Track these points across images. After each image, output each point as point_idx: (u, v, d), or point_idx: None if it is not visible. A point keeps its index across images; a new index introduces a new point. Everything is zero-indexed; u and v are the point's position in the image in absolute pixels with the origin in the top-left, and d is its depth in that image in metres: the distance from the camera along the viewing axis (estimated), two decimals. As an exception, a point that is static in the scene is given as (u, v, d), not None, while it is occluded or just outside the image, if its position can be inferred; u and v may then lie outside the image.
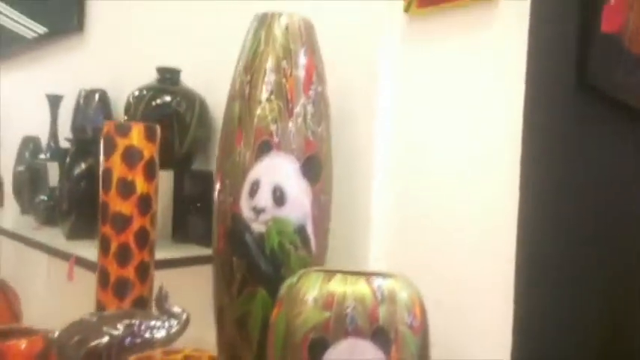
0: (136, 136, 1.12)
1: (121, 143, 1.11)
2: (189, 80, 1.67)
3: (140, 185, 1.12)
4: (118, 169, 1.11)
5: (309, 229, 1.08)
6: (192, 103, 1.59)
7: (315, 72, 1.12)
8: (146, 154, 1.13)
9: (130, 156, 1.11)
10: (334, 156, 1.18)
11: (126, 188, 1.11)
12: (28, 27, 2.81)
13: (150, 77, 1.65)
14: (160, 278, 1.25)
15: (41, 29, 2.71)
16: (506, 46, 1.12)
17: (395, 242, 1.25)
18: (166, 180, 1.59)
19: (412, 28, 1.27)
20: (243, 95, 1.09)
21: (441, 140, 1.20)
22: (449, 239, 1.17)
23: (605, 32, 1.29)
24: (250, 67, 1.10)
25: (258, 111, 1.07)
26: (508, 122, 1.09)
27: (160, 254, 1.32)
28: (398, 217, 1.25)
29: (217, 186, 1.12)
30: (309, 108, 1.09)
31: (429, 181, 1.21)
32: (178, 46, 1.83)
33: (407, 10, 1.27)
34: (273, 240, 1.05)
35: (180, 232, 1.58)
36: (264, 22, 1.11)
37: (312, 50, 1.13)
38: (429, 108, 1.22)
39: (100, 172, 1.13)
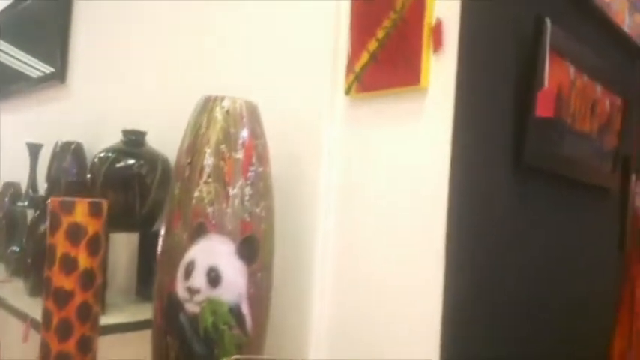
0: (81, 213, 1.15)
1: (66, 220, 1.14)
2: (157, 140, 1.71)
3: (83, 260, 1.15)
4: (62, 245, 1.14)
5: (245, 309, 1.11)
6: (155, 165, 1.63)
7: (256, 153, 1.16)
8: (90, 230, 1.16)
9: (74, 233, 1.15)
10: (278, 233, 1.21)
11: (69, 264, 1.14)
12: (14, 73, 2.88)
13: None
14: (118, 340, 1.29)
15: (26, 77, 2.78)
16: (435, 131, 1.16)
17: (334, 329, 1.28)
18: (131, 241, 1.63)
19: (353, 110, 1.31)
20: (183, 176, 1.13)
21: (380, 220, 1.23)
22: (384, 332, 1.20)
23: (541, 117, 1.32)
24: (192, 149, 1.14)
25: (196, 193, 1.10)
26: (436, 205, 1.12)
27: (120, 316, 1.38)
28: (337, 301, 1.28)
29: (158, 263, 1.15)
30: (248, 190, 1.13)
31: (370, 265, 1.24)
32: (149, 107, 1.88)
33: (347, 92, 1.31)
34: (207, 320, 1.08)
35: (144, 290, 1.61)
36: (207, 105, 1.16)
37: (254, 132, 1.17)
38: (369, 186, 1.26)
39: (46, 248, 1.17)
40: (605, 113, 1.75)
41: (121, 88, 2.11)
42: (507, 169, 1.33)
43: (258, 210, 1.14)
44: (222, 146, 1.12)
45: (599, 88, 1.69)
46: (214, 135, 1.13)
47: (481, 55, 1.23)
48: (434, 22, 1.19)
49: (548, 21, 1.36)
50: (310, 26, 1.40)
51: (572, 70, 1.54)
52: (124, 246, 1.62)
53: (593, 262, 1.82)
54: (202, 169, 1.11)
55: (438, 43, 1.19)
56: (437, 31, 1.19)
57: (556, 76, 1.47)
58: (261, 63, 1.48)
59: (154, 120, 1.74)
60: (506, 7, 1.33)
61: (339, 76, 1.33)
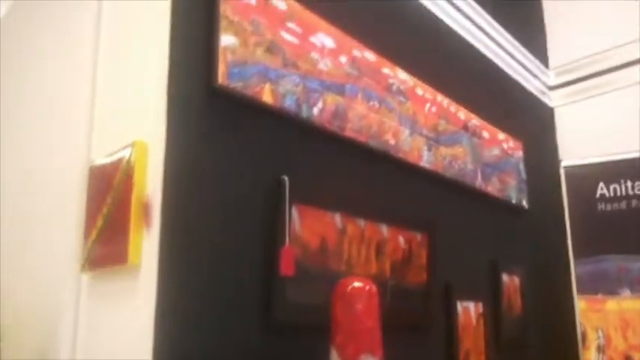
0: None
1: None
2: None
3: None
4: None
5: None
6: None
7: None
8: None
9: None
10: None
11: None
12: None
13: None
14: None
15: None
16: (143, 310, 1.14)
17: None
18: None
19: (90, 286, 1.30)
20: None
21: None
22: None
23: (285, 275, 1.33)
24: None
25: None
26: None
27: None
28: None
29: None
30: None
31: None
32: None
33: (82, 270, 1.31)
34: None
35: None
36: None
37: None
38: None
39: None
40: (400, 250, 1.77)
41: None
42: (256, 330, 1.30)
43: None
44: None
45: (385, 229, 1.72)
46: None
47: (201, 225, 1.25)
48: (145, 199, 1.22)
49: (286, 180, 1.40)
50: (58, 201, 1.41)
51: (338, 218, 1.56)
52: None
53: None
54: None
55: (148, 221, 1.20)
56: (146, 208, 1.21)
57: (317, 228, 1.50)
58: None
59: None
60: (246, 168, 1.37)
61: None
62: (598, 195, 2.54)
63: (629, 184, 2.50)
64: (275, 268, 1.34)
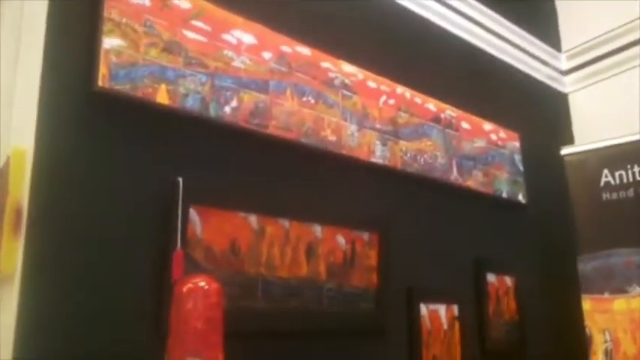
0: None
1: None
2: None
3: None
4: None
5: None
6: None
7: None
8: None
9: None
10: None
11: None
12: None
13: None
14: None
15: None
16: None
17: None
18: None
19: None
20: None
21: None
22: None
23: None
24: None
25: None
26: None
27: None
28: None
29: None
30: None
31: None
32: None
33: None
34: None
35: None
36: None
37: None
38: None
39: None
40: (339, 252, 1.67)
41: None
42: (144, 340, 1.25)
43: None
44: None
45: (318, 229, 1.63)
46: None
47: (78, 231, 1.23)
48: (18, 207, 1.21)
49: (180, 181, 1.36)
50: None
51: (253, 219, 1.50)
52: None
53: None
54: None
55: (18, 229, 1.20)
56: (18, 216, 1.21)
57: (226, 230, 1.44)
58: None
59: None
60: (137, 171, 1.34)
61: None
62: (602, 183, 2.29)
63: (636, 169, 2.24)
64: (168, 274, 1.29)
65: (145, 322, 1.27)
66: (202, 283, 1.04)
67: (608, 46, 2.83)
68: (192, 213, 1.39)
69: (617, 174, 2.28)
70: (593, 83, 2.88)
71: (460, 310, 1.98)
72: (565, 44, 3.02)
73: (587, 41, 2.90)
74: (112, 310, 1.24)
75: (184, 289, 1.03)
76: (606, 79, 2.82)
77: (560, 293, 2.39)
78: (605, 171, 2.31)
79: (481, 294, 2.10)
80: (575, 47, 2.95)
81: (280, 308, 1.51)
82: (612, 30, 2.80)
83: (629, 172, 2.26)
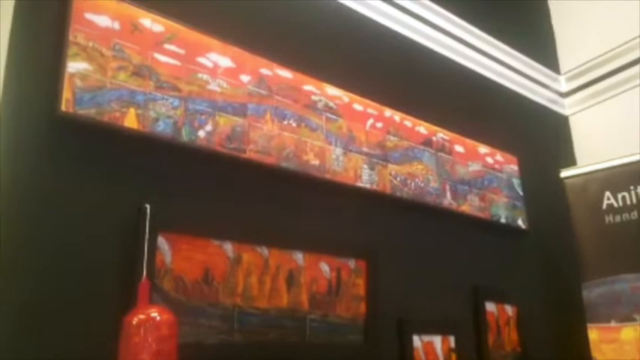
0: None
1: None
2: None
3: None
4: None
5: None
6: None
7: None
8: None
9: None
10: None
11: None
12: None
13: None
14: None
15: None
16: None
17: None
18: None
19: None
20: None
21: None
22: None
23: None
24: None
25: None
26: None
27: None
28: None
29: None
30: None
31: None
32: None
33: None
34: None
35: None
36: None
37: None
38: None
39: None
40: (323, 280, 1.59)
41: None
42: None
43: None
44: None
45: (300, 256, 1.56)
46: None
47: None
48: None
49: (147, 208, 1.30)
50: None
51: (229, 247, 1.43)
52: None
53: None
54: None
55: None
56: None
57: (198, 259, 1.37)
58: None
59: None
60: (101, 198, 1.29)
61: None
62: (605, 206, 2.20)
63: (639, 190, 2.15)
64: (133, 306, 1.22)
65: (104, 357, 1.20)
66: (154, 314, 0.96)
67: (608, 67, 2.77)
68: (162, 241, 1.32)
69: (619, 196, 2.19)
70: (593, 105, 2.81)
71: (457, 341, 1.88)
72: (564, 66, 2.96)
73: (586, 62, 2.85)
74: (72, 346, 1.17)
75: (134, 321, 0.96)
76: (607, 99, 2.76)
77: (565, 323, 2.27)
78: (607, 193, 2.22)
79: (480, 324, 1.99)
80: (574, 69, 2.90)
81: (258, 341, 1.43)
82: (611, 50, 2.74)
83: (632, 193, 2.17)
